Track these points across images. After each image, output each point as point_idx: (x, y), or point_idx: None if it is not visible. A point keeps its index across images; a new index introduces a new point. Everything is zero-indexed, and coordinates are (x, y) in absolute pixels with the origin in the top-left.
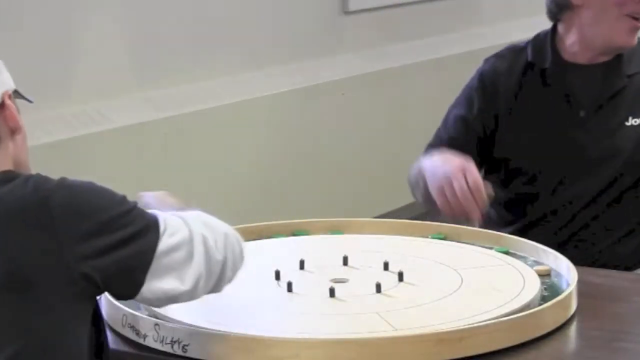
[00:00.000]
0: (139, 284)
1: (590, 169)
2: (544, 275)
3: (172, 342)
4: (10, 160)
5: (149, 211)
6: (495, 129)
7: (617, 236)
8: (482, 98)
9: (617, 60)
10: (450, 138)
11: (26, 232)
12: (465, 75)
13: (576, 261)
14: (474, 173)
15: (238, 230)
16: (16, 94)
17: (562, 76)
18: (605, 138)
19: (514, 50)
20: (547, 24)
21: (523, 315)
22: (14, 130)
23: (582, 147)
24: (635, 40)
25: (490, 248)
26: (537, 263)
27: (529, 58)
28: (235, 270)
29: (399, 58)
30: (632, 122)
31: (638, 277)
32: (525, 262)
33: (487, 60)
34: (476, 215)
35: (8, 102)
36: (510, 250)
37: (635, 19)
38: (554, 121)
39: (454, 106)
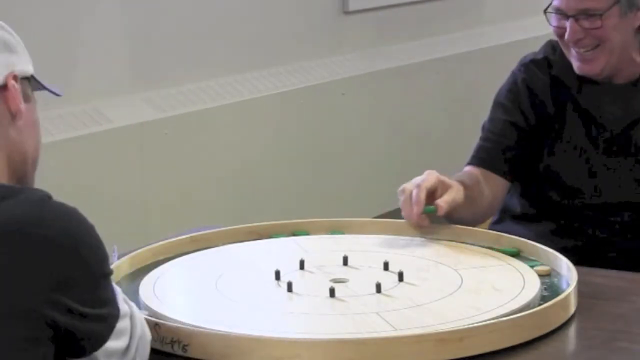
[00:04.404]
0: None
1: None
2: (544, 275)
3: (172, 342)
4: (9, 148)
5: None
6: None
7: None
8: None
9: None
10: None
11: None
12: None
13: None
14: (423, 185)
15: (238, 230)
16: (35, 82)
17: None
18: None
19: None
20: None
21: (523, 315)
22: (14, 115)
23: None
24: (596, 68)
25: (491, 248)
26: (537, 263)
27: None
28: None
29: (399, 58)
30: None
31: (638, 277)
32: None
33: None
34: (413, 222)
35: (12, 83)
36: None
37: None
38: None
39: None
